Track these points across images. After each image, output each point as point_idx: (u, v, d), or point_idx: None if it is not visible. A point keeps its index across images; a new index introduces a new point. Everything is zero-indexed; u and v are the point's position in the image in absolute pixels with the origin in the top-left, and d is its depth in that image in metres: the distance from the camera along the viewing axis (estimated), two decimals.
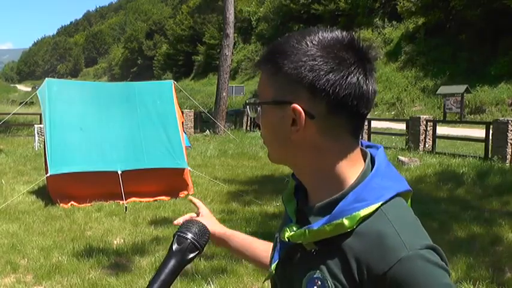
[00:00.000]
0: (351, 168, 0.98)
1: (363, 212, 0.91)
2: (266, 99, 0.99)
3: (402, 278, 0.86)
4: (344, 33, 0.97)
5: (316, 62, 0.92)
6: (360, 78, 0.93)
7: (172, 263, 1.01)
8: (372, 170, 0.98)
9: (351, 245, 0.92)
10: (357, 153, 0.99)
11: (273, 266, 1.04)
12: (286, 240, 0.99)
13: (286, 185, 1.10)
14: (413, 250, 0.87)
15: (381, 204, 0.92)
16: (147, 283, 1.00)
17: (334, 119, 0.94)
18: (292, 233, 0.99)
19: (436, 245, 0.90)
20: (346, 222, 0.92)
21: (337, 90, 0.92)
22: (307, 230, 0.96)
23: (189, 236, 1.03)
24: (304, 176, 1.02)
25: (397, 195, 0.95)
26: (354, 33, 1.00)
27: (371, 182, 0.95)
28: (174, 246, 1.03)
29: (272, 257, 1.09)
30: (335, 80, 0.92)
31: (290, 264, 1.01)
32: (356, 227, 0.92)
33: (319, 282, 0.94)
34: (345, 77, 0.92)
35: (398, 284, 0.86)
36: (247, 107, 1.07)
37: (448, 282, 0.88)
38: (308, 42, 0.94)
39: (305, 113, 0.93)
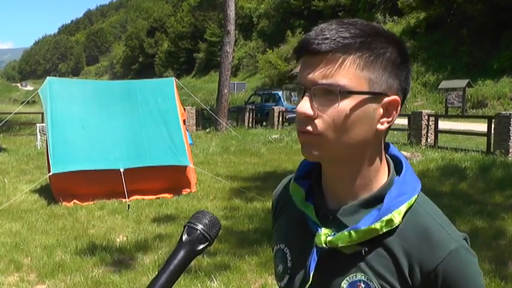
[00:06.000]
0: (383, 163, 0.98)
1: (406, 206, 0.92)
2: (356, 89, 0.89)
3: (453, 270, 0.89)
4: None
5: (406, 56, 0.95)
6: None
7: (181, 253, 1.00)
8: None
9: (397, 242, 0.91)
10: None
11: (311, 274, 0.96)
12: (325, 246, 0.94)
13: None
14: (458, 242, 0.90)
15: (417, 197, 0.95)
16: (150, 280, 0.99)
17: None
18: (331, 237, 0.93)
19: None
20: (395, 217, 0.90)
21: (409, 85, 0.97)
22: (352, 231, 0.91)
23: (199, 227, 1.02)
24: (347, 173, 0.96)
25: None
26: None
27: (405, 175, 0.97)
28: (184, 237, 1.01)
29: (285, 269, 1.04)
30: (410, 76, 0.97)
31: (325, 271, 0.96)
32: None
33: (363, 285, 0.91)
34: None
35: (450, 275, 0.88)
36: (313, 95, 0.90)
37: (479, 269, 0.93)
38: (392, 34, 0.94)
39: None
